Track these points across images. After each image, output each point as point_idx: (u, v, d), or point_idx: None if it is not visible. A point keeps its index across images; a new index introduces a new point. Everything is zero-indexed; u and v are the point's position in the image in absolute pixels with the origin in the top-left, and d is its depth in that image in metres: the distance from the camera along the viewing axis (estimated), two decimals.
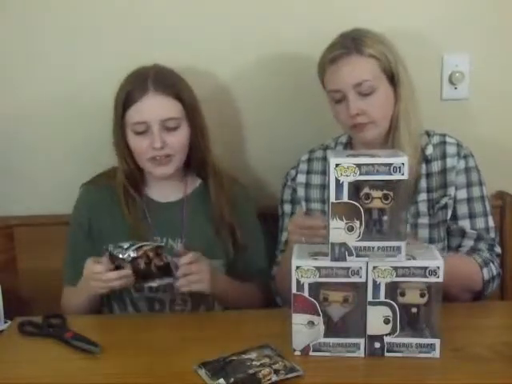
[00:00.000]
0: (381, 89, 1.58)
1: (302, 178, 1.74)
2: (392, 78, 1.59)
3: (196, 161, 1.67)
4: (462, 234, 1.65)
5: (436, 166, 1.67)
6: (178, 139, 1.59)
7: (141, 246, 1.42)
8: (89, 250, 1.63)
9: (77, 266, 1.57)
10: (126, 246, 1.42)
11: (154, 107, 1.56)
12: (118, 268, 1.43)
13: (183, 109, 1.59)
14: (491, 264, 1.61)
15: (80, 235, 1.67)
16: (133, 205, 1.64)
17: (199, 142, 1.64)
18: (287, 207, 1.75)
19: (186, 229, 1.66)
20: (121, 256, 1.41)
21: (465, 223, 1.65)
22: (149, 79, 1.57)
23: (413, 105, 1.61)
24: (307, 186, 1.74)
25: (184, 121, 1.60)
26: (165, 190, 1.68)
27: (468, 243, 1.65)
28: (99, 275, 1.44)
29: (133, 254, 1.41)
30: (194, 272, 1.46)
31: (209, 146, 1.66)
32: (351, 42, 1.57)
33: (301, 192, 1.73)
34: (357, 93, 1.57)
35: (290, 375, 1.20)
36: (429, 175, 1.67)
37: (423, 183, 1.66)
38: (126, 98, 1.57)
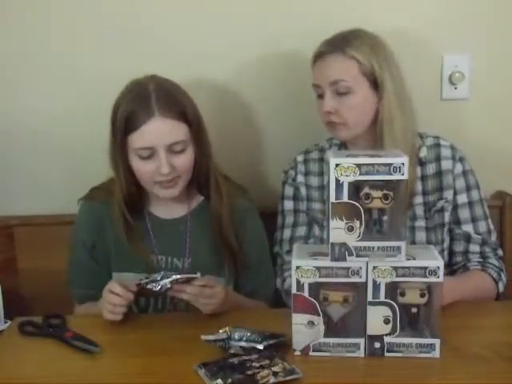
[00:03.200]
0: (358, 91, 1.58)
1: (301, 179, 1.74)
2: (376, 84, 1.59)
3: (199, 177, 1.61)
4: (467, 238, 1.67)
5: (431, 169, 1.68)
6: (185, 161, 1.52)
7: (176, 279, 1.38)
8: (94, 267, 1.63)
9: (84, 285, 1.57)
10: (158, 277, 1.39)
11: (161, 132, 1.48)
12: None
13: (189, 130, 1.52)
14: (502, 274, 1.65)
15: (83, 253, 1.64)
16: (133, 228, 1.59)
17: (203, 160, 1.58)
18: (288, 204, 1.75)
19: (191, 247, 1.63)
20: (155, 289, 1.38)
21: (468, 228, 1.67)
22: (152, 99, 1.48)
23: (399, 111, 1.60)
24: (307, 186, 1.74)
25: (190, 142, 1.53)
26: (168, 206, 1.63)
27: (475, 249, 1.67)
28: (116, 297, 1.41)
29: (166, 286, 1.38)
30: (206, 296, 1.42)
31: (212, 160, 1.61)
32: (340, 41, 1.60)
33: (303, 191, 1.73)
34: (333, 91, 1.59)
35: (288, 378, 1.20)
36: (424, 178, 1.68)
37: (418, 186, 1.67)
38: (127, 120, 1.49)
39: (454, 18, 1.90)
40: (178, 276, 1.39)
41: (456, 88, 1.95)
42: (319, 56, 1.62)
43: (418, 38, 1.86)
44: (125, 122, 1.50)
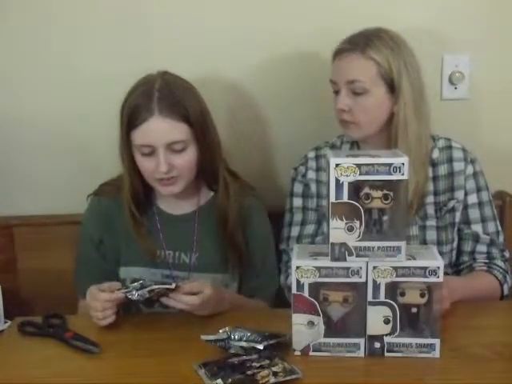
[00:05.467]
0: (374, 93, 1.58)
1: (312, 175, 1.74)
2: (393, 87, 1.58)
3: (206, 174, 1.62)
4: (476, 238, 1.68)
5: (443, 170, 1.69)
6: (185, 160, 1.53)
7: (152, 289, 1.39)
8: (101, 263, 1.65)
9: (90, 279, 1.56)
10: (137, 286, 1.40)
11: (159, 131, 1.49)
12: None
13: (190, 130, 1.52)
14: (507, 276, 1.66)
15: (91, 248, 1.65)
16: (141, 222, 1.61)
17: (208, 158, 1.58)
18: (297, 201, 1.75)
19: (198, 242, 1.64)
20: (133, 298, 1.39)
21: (478, 228, 1.68)
22: (154, 98, 1.49)
23: (415, 117, 1.60)
24: (318, 182, 1.74)
25: (191, 141, 1.53)
26: (177, 202, 1.64)
27: (481, 249, 1.68)
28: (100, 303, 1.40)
29: (145, 296, 1.39)
30: (197, 303, 1.41)
31: (219, 158, 1.61)
32: (362, 40, 1.58)
33: (313, 188, 1.74)
34: (349, 90, 1.59)
35: (288, 378, 1.20)
36: (435, 178, 1.69)
37: (430, 186, 1.68)
38: (130, 116, 1.51)
39: (454, 18, 1.90)
40: (155, 286, 1.40)
41: (456, 88, 1.95)
42: (339, 53, 1.61)
43: (418, 38, 1.85)
44: (128, 117, 1.52)
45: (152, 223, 1.65)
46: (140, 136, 1.51)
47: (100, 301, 1.40)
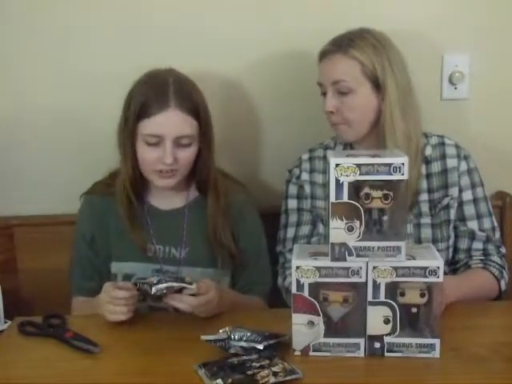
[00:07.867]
0: (359, 92, 1.59)
1: (306, 176, 1.75)
2: (378, 85, 1.59)
3: (200, 173, 1.64)
4: (472, 235, 1.68)
5: (436, 167, 1.69)
6: (188, 155, 1.57)
7: (171, 286, 1.37)
8: (94, 260, 1.66)
9: (83, 276, 1.59)
10: (154, 281, 1.38)
11: (173, 123, 1.53)
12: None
13: (198, 126, 1.56)
14: (504, 272, 1.66)
15: (84, 246, 1.67)
16: (134, 214, 1.63)
17: (205, 157, 1.61)
18: (292, 202, 1.75)
19: (188, 237, 1.66)
20: (149, 292, 1.37)
21: (473, 224, 1.68)
22: (170, 92, 1.53)
23: (402, 114, 1.60)
24: (312, 183, 1.74)
25: (197, 138, 1.57)
26: (167, 197, 1.66)
27: (478, 246, 1.68)
28: (121, 300, 1.41)
29: (162, 292, 1.37)
30: (202, 304, 1.41)
31: (213, 158, 1.64)
32: (344, 41, 1.60)
33: (307, 189, 1.74)
34: (335, 90, 1.61)
35: (288, 378, 1.19)
36: (429, 176, 1.69)
37: (424, 184, 1.68)
38: (142, 107, 1.53)
39: (453, 18, 1.90)
40: (175, 284, 1.38)
41: (456, 88, 1.95)
42: (324, 55, 1.64)
43: (418, 38, 1.86)
44: (140, 107, 1.54)
45: (142, 218, 1.66)
46: (151, 126, 1.53)
47: (120, 298, 1.40)
